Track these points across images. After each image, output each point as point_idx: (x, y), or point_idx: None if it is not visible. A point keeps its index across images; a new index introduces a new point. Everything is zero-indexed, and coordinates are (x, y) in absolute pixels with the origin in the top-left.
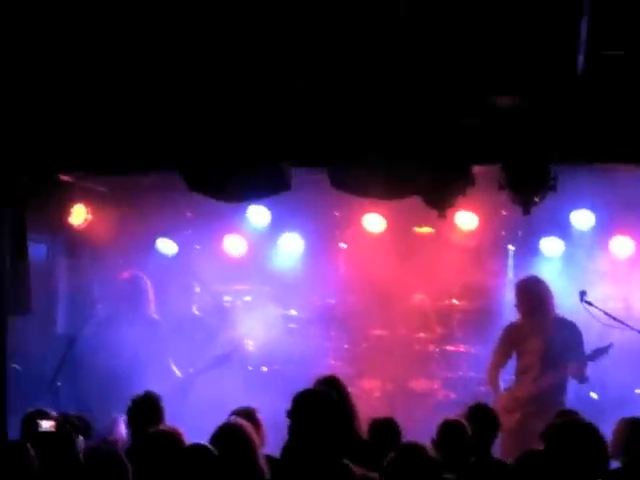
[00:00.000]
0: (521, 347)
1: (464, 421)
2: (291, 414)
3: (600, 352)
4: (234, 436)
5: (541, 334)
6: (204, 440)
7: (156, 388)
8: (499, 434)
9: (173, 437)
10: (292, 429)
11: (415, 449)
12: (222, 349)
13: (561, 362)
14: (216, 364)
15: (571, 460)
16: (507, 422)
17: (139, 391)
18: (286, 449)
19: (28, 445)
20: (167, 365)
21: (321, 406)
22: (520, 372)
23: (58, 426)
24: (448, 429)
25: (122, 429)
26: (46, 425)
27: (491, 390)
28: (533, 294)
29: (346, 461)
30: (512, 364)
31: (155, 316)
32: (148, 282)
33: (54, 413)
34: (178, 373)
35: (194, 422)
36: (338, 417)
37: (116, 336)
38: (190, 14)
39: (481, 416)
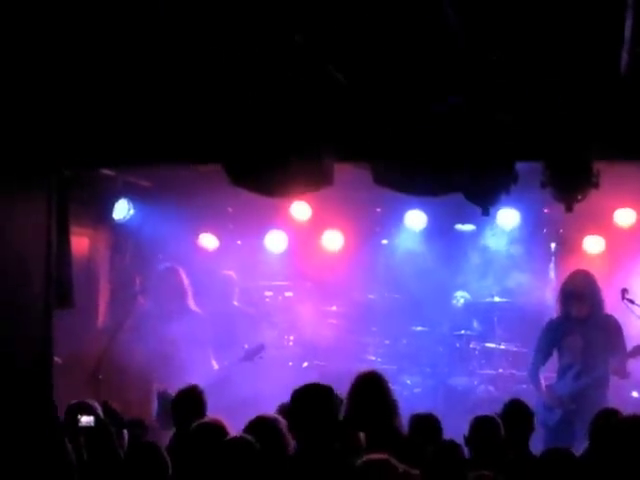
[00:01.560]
0: (562, 344)
1: (496, 417)
2: (290, 410)
3: (630, 354)
4: (266, 430)
5: (582, 331)
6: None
7: (195, 381)
8: (541, 431)
9: (218, 430)
10: (291, 425)
11: (455, 448)
12: (255, 343)
13: (602, 359)
14: (248, 357)
15: (617, 459)
16: (549, 419)
17: (179, 384)
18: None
19: (66, 440)
20: (207, 358)
21: (319, 401)
22: (562, 369)
23: (97, 421)
24: (480, 425)
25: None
26: (85, 420)
27: (533, 388)
28: (580, 289)
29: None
30: (554, 361)
31: (196, 309)
32: (184, 274)
33: (97, 405)
34: (216, 366)
35: (231, 416)
36: (337, 411)
37: (157, 329)
38: (230, 6)
39: (516, 412)
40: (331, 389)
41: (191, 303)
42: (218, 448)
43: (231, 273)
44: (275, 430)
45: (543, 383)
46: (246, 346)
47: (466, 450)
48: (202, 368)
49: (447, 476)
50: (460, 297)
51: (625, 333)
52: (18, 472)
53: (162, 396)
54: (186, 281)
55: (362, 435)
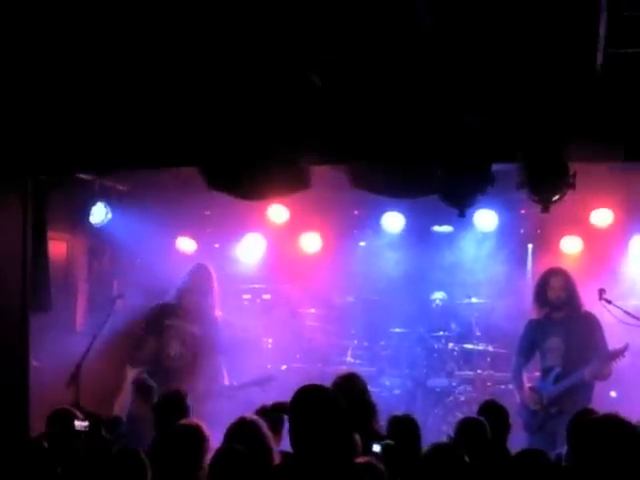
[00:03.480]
0: (543, 346)
1: (483, 420)
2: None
3: (616, 354)
4: (248, 432)
5: (563, 332)
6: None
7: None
8: (524, 435)
9: (196, 432)
10: (292, 426)
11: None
12: (264, 371)
13: (584, 360)
14: (258, 383)
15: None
16: (531, 423)
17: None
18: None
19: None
20: (219, 368)
21: (320, 402)
22: (543, 371)
23: (92, 426)
24: (466, 428)
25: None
26: (80, 425)
27: (516, 390)
28: (561, 287)
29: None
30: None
31: (218, 314)
32: (213, 274)
33: (76, 412)
34: (226, 380)
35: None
36: (339, 413)
37: (169, 326)
38: (208, 12)
39: (492, 413)
40: (331, 391)
41: (213, 306)
42: (196, 450)
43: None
44: (258, 433)
45: (526, 384)
46: (258, 374)
47: None
48: (212, 378)
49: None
50: (438, 298)
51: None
52: None
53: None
54: (214, 284)
55: (357, 437)
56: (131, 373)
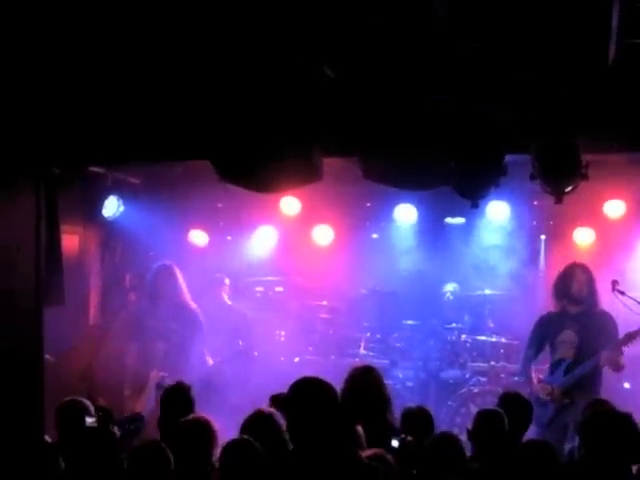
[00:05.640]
0: (556, 339)
1: (501, 411)
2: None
3: (630, 337)
4: (264, 425)
5: (577, 327)
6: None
7: (188, 376)
8: (534, 428)
9: (204, 427)
10: (288, 419)
11: (449, 439)
12: (248, 339)
13: (596, 353)
14: (241, 354)
15: (606, 451)
16: (541, 416)
17: (172, 380)
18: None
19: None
20: (202, 354)
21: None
22: (554, 364)
23: (100, 421)
24: (485, 419)
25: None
26: (89, 421)
27: (525, 382)
28: (585, 282)
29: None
30: (547, 354)
31: (192, 305)
32: (178, 271)
33: (88, 403)
34: (210, 361)
35: (225, 412)
36: (335, 405)
37: (151, 326)
38: (217, 6)
39: (513, 405)
40: (327, 382)
41: (186, 300)
42: (205, 444)
43: (221, 275)
44: (274, 425)
45: (535, 377)
46: (240, 342)
47: (469, 444)
48: (197, 364)
49: (445, 467)
50: (450, 290)
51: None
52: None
53: (159, 386)
54: (181, 278)
55: (360, 428)
56: (153, 373)
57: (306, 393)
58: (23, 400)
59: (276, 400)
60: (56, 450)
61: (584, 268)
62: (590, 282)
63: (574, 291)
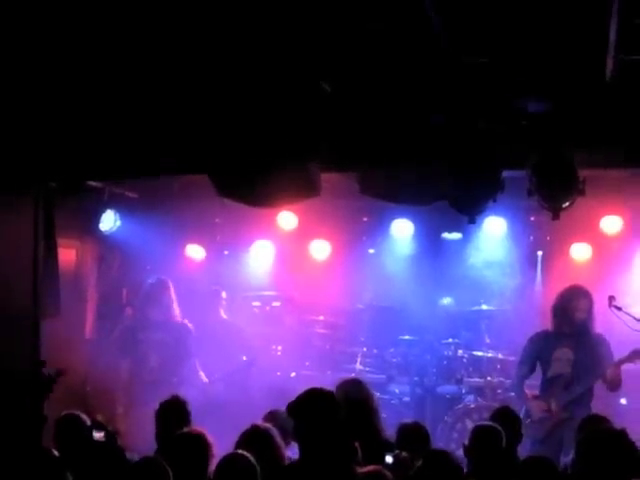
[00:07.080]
0: (551, 357)
1: (498, 427)
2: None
3: (637, 354)
4: (260, 440)
5: (573, 345)
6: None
7: (182, 392)
8: (528, 444)
9: (199, 440)
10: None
11: (442, 456)
12: (247, 356)
13: (592, 370)
14: (240, 370)
15: (601, 468)
16: (538, 431)
17: (166, 395)
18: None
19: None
20: (194, 369)
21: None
22: (548, 381)
23: (107, 437)
24: (481, 435)
25: None
26: (97, 436)
27: (517, 399)
28: (585, 310)
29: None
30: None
31: (181, 320)
32: (171, 286)
33: (85, 417)
34: (204, 378)
35: (221, 426)
36: (339, 416)
37: (142, 340)
38: (215, 18)
39: (505, 420)
40: (333, 394)
41: (176, 314)
42: (200, 457)
43: (218, 288)
44: (271, 441)
45: (530, 394)
46: (239, 360)
47: (464, 460)
48: (189, 379)
49: None
50: (446, 305)
51: (612, 340)
52: None
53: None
54: (173, 293)
55: (357, 444)
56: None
57: (319, 400)
58: (21, 412)
59: (273, 416)
60: (63, 464)
61: (585, 294)
62: (590, 308)
63: (575, 318)
